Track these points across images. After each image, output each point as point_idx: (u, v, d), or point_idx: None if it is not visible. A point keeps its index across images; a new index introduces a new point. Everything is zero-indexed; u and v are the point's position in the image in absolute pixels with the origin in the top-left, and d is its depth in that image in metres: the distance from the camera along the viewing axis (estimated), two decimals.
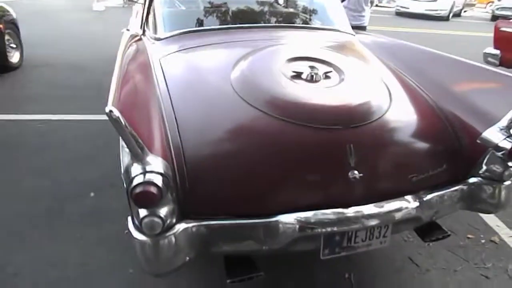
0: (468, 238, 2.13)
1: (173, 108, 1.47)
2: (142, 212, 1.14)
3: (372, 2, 4.05)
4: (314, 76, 1.57)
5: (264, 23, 2.43)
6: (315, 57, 1.71)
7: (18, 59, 4.80)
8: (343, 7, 3.85)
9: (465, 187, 1.54)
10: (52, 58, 5.31)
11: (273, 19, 2.56)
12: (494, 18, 13.17)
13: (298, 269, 1.82)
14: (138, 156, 1.09)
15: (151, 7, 2.29)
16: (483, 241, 2.12)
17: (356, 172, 1.32)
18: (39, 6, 10.00)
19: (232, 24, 2.36)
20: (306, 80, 1.56)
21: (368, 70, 1.80)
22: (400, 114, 1.57)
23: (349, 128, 1.38)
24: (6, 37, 4.50)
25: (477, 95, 1.69)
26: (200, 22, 2.32)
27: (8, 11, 4.68)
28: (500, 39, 4.54)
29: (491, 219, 2.30)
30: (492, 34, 4.72)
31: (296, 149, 1.36)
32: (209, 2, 2.49)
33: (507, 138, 1.44)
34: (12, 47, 4.68)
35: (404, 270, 1.88)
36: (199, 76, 1.72)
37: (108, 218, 2.07)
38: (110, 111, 0.98)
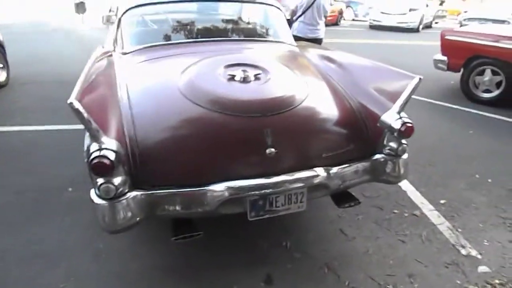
0: (394, 213, 2.50)
1: (130, 105, 1.83)
2: (100, 180, 1.49)
3: (325, 17, 4.48)
4: (246, 78, 1.95)
5: (218, 37, 2.83)
6: (248, 63, 2.10)
7: (5, 78, 5.13)
8: (299, 22, 4.35)
9: (368, 163, 1.92)
10: (39, 75, 5.65)
11: (229, 34, 2.96)
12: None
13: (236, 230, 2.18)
14: (95, 137, 1.45)
15: (120, 26, 2.68)
16: (406, 214, 2.49)
17: (272, 149, 1.69)
18: (26, 27, 10.37)
19: (189, 38, 2.77)
20: (239, 81, 1.94)
21: (294, 71, 2.19)
22: (315, 105, 1.96)
23: (268, 116, 1.76)
24: None
25: (381, 88, 2.09)
26: (163, 37, 2.72)
27: None
28: (446, 47, 5.03)
29: (417, 197, 2.69)
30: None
31: (226, 133, 1.74)
32: (173, 20, 2.89)
33: (398, 120, 1.83)
34: None
35: (335, 238, 2.24)
36: (154, 81, 2.10)
37: (83, 208, 2.40)
38: (71, 102, 1.35)
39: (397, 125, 1.82)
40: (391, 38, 11.80)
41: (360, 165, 1.91)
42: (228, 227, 2.23)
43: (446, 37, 4.98)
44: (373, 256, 2.10)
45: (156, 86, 2.05)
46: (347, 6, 16.90)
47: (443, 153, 3.46)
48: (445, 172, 3.08)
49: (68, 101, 1.36)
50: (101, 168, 1.44)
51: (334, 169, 1.82)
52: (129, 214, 1.56)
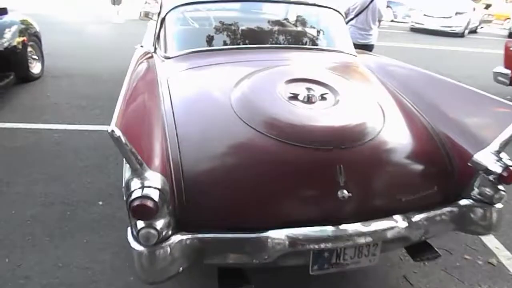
0: (465, 259, 2.14)
1: (175, 125, 1.56)
2: (139, 224, 1.23)
3: (380, 21, 4.10)
4: (310, 98, 1.64)
5: (271, 43, 2.53)
6: (313, 79, 1.79)
7: (40, 70, 5.02)
8: (350, 25, 3.99)
9: (455, 209, 1.58)
10: (71, 69, 5.53)
11: (280, 40, 2.65)
12: (511, 35, 13.07)
13: (291, 284, 1.87)
14: (137, 172, 1.19)
15: (163, 26, 2.42)
16: (480, 262, 2.13)
17: (345, 191, 1.38)
18: (61, 18, 10.39)
19: (239, 45, 2.47)
20: (302, 101, 1.64)
21: (365, 91, 1.86)
22: (393, 136, 1.63)
23: (340, 149, 1.45)
24: (29, 49, 4.72)
25: (470, 119, 1.74)
26: (209, 42, 2.43)
27: (31, 25, 4.93)
28: (511, 59, 4.53)
29: (490, 241, 2.31)
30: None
31: (288, 168, 1.43)
32: (220, 22, 2.61)
33: (497, 162, 1.49)
34: (34, 59, 4.90)
35: None
36: (202, 95, 1.82)
37: (113, 226, 2.17)
38: (112, 130, 1.08)
39: (497, 168, 1.47)
40: (434, 42, 11.14)
41: (445, 212, 1.57)
42: (280, 276, 1.92)
43: None
44: None
45: (205, 101, 1.77)
46: (387, 7, 16.19)
47: None
48: None
49: (109, 129, 1.09)
50: (143, 212, 1.18)
51: (416, 217, 1.49)
52: (172, 262, 1.30)
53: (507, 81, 4.56)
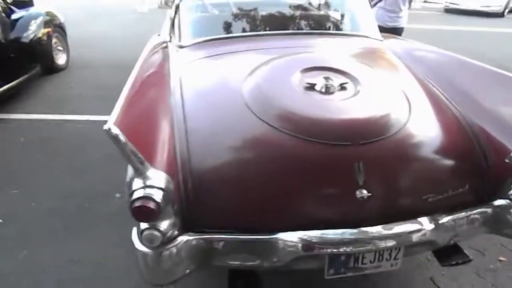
0: (500, 260, 1.97)
1: (185, 119, 1.49)
2: (142, 225, 1.17)
3: (410, 2, 3.84)
4: (328, 88, 1.52)
5: (291, 29, 2.39)
6: (332, 67, 1.66)
7: (65, 61, 5.10)
8: (378, 7, 3.76)
9: (489, 210, 1.43)
10: (96, 60, 5.59)
11: (301, 25, 2.51)
12: None
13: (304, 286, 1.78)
14: (139, 171, 1.12)
15: (177, 13, 2.33)
16: None
17: (364, 191, 1.27)
18: (86, 9, 10.54)
19: (257, 31, 2.35)
20: (319, 92, 1.52)
21: (389, 80, 1.71)
22: (419, 129, 1.48)
23: (359, 145, 1.32)
24: (54, 40, 4.79)
25: (509, 109, 1.56)
26: (224, 29, 2.33)
27: (56, 16, 4.99)
28: None
29: None
30: None
31: (302, 166, 1.33)
32: (237, 8, 2.49)
33: None
34: (59, 50, 4.98)
35: None
36: (214, 86, 1.74)
37: (127, 220, 2.15)
38: (109, 128, 1.01)
39: None
40: (471, 24, 10.47)
41: (478, 213, 1.42)
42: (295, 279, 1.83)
43: None
44: None
45: (217, 93, 1.68)
46: None
47: None
48: None
49: (105, 126, 1.03)
50: (145, 214, 1.11)
51: (444, 219, 1.35)
52: (179, 264, 1.24)
53: None
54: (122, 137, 1.03)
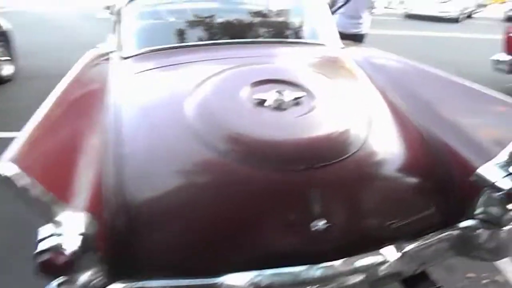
0: (468, 277, 1.89)
1: (120, 143, 1.29)
2: (55, 279, 0.96)
3: (372, 8, 3.81)
4: (281, 104, 1.37)
5: (248, 37, 2.24)
6: (286, 80, 1.51)
7: (10, 72, 4.71)
8: (339, 14, 3.70)
9: (456, 232, 1.32)
10: (46, 69, 5.20)
11: (257, 34, 2.35)
12: (509, 19, 12.75)
13: None
14: (48, 215, 0.92)
15: (120, 19, 2.13)
16: (484, 281, 1.88)
17: (321, 221, 1.12)
18: (41, 14, 10.00)
19: (209, 40, 2.18)
20: (271, 108, 1.36)
21: (348, 92, 1.59)
22: (379, 147, 1.36)
23: (314, 169, 1.18)
24: None
25: (474, 124, 1.47)
26: (173, 38, 2.14)
27: None
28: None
29: None
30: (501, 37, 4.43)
31: (251, 196, 1.16)
32: (186, 14, 2.31)
33: (506, 177, 1.23)
34: (2, 60, 4.59)
35: None
36: (156, 103, 1.55)
37: None
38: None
39: (505, 184, 1.21)
40: (428, 29, 10.82)
41: (445, 237, 1.30)
42: None
43: None
44: None
45: (159, 110, 1.49)
46: None
47: None
48: None
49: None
50: (54, 268, 0.91)
51: (409, 247, 1.23)
52: None
53: (508, 69, 4.28)
54: (20, 177, 0.83)
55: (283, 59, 1.98)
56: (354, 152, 1.26)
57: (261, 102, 1.37)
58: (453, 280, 1.86)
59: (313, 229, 1.11)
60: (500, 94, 1.51)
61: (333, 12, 3.75)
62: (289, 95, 1.40)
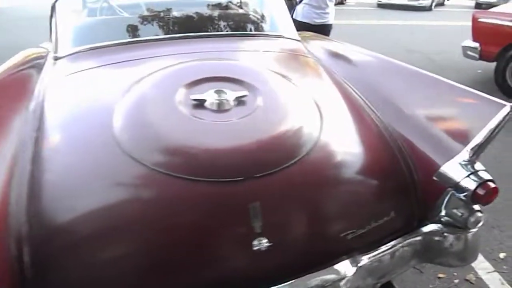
0: (439, 278, 1.80)
1: (36, 159, 1.10)
2: None
3: None
4: (222, 105, 1.21)
5: (195, 32, 2.05)
6: (229, 77, 1.35)
7: None
8: (304, 4, 3.55)
9: (419, 238, 1.20)
10: None
11: (207, 27, 2.15)
12: (478, 5, 12.92)
13: None
14: None
15: (53, 16, 1.92)
16: (456, 280, 1.78)
17: (263, 239, 0.97)
18: (28, 11, 9.49)
19: (153, 35, 1.98)
20: (211, 110, 1.20)
21: (299, 88, 1.44)
22: (332, 149, 1.22)
23: (254, 179, 1.03)
24: None
25: (437, 118, 1.35)
26: (114, 34, 1.92)
27: None
28: (479, 32, 4.22)
29: None
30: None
31: (184, 215, 1.00)
32: (129, 8, 2.12)
33: (471, 175, 1.11)
34: None
35: None
36: (83, 111, 1.35)
37: None
38: None
39: (469, 184, 1.10)
40: (401, 18, 10.84)
41: (406, 244, 1.18)
42: None
43: (480, 20, 4.16)
44: None
45: (84, 120, 1.29)
46: None
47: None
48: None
49: None
50: None
51: (366, 258, 1.10)
52: None
53: (477, 55, 4.25)
54: None
55: (233, 53, 1.81)
56: (303, 156, 1.11)
57: (200, 104, 1.21)
58: (423, 282, 1.76)
59: (254, 248, 0.96)
60: (467, 88, 1.38)
61: (298, 3, 3.61)
62: (231, 94, 1.24)
